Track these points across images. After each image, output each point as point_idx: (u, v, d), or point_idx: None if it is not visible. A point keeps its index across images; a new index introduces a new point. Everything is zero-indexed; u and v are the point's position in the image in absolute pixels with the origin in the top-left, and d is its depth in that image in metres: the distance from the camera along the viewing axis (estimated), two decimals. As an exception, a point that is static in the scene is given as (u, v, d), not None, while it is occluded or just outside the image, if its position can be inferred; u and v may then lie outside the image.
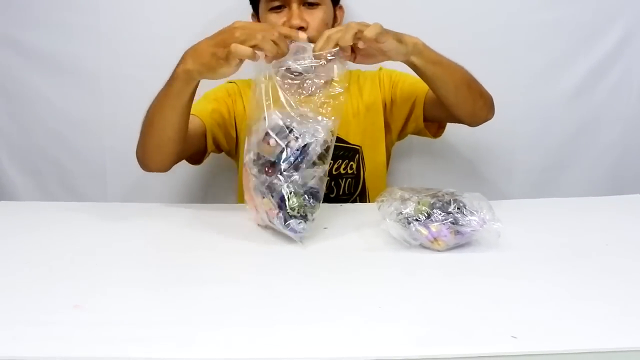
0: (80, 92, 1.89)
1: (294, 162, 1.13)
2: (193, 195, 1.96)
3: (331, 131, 1.18)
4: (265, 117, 1.17)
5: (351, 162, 1.61)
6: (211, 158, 1.68)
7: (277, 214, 1.13)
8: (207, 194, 1.96)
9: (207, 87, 1.57)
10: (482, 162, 1.97)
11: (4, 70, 1.90)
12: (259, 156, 1.18)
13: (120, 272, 0.99)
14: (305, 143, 1.14)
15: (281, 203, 1.12)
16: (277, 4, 1.53)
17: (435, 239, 1.06)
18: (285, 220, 1.12)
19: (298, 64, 1.20)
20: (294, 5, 1.51)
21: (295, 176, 1.12)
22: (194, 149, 1.56)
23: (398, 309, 0.83)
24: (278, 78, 1.19)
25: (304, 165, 1.13)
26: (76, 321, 0.78)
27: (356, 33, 1.22)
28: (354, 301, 0.86)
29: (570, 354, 0.71)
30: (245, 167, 1.22)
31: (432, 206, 1.07)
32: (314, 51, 1.21)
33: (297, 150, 1.13)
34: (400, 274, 0.98)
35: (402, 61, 1.35)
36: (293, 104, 1.17)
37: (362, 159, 1.62)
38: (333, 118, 1.18)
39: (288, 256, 1.08)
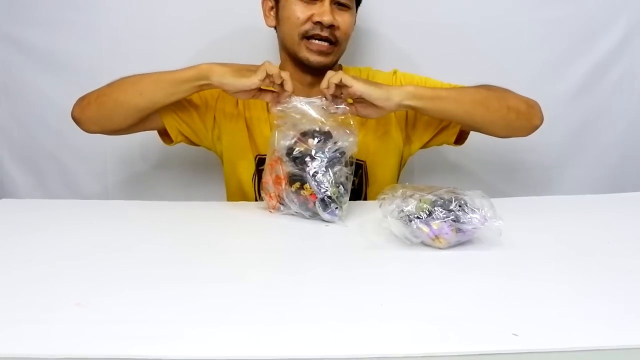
0: (81, 91, 1.88)
1: (331, 160, 1.27)
2: (195, 193, 1.96)
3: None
4: (300, 118, 1.32)
5: (354, 178, 1.57)
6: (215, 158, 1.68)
7: (320, 199, 1.25)
8: (210, 192, 1.96)
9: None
10: (484, 160, 1.97)
11: (5, 68, 1.90)
12: (291, 151, 1.28)
13: (122, 270, 0.98)
14: (344, 149, 1.29)
15: (318, 190, 1.25)
16: None
17: (436, 236, 1.05)
18: (326, 205, 1.24)
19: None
20: (327, 2, 1.47)
21: (331, 171, 1.26)
22: (141, 128, 1.53)
23: (400, 306, 0.83)
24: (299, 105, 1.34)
25: (340, 165, 1.28)
26: (78, 319, 0.78)
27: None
28: (355, 299, 0.86)
29: (572, 352, 0.71)
30: (275, 156, 1.32)
31: (433, 204, 1.07)
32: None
33: (335, 151, 1.28)
34: (402, 271, 0.98)
35: (396, 109, 1.39)
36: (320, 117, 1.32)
37: (366, 174, 1.58)
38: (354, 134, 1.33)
39: (289, 254, 1.08)
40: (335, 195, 1.24)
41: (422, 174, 1.96)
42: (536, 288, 0.89)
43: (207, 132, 1.58)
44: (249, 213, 1.33)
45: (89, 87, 1.86)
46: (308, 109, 1.31)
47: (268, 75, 1.31)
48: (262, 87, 1.35)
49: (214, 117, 1.57)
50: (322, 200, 1.24)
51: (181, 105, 1.52)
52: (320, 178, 1.25)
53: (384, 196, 1.15)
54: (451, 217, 1.05)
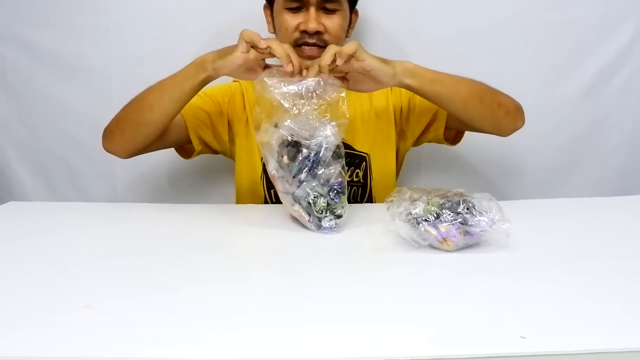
0: (90, 93, 1.89)
1: (310, 169, 1.20)
2: (203, 195, 1.97)
3: (338, 132, 1.22)
4: (272, 134, 1.23)
5: (357, 170, 1.60)
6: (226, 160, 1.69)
7: (309, 220, 1.21)
8: (218, 194, 1.97)
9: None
10: (491, 162, 1.97)
11: (14, 70, 1.91)
12: (280, 168, 1.23)
13: (130, 272, 0.99)
14: (316, 151, 1.20)
15: (309, 208, 1.20)
16: (295, 5, 1.51)
17: (444, 239, 1.05)
18: (318, 224, 1.20)
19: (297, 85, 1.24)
20: (312, 9, 1.50)
21: (314, 183, 1.20)
22: (169, 142, 1.56)
23: (407, 309, 0.83)
24: (276, 90, 1.22)
25: (320, 170, 1.20)
26: (86, 321, 0.78)
27: (336, 53, 1.25)
28: (363, 301, 0.86)
29: (580, 354, 0.70)
30: (272, 177, 1.27)
31: (441, 206, 1.07)
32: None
33: (308, 160, 1.20)
34: (410, 274, 0.98)
35: (395, 85, 1.35)
36: (296, 109, 1.22)
37: (370, 167, 1.60)
38: (336, 122, 1.23)
39: (296, 256, 1.08)
40: (323, 208, 1.20)
41: (428, 176, 1.97)
42: (543, 290, 0.89)
43: (225, 135, 1.62)
44: (256, 215, 1.34)
45: (98, 89, 1.88)
46: (282, 98, 1.22)
47: (251, 45, 1.27)
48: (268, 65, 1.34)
49: (228, 120, 1.61)
50: (312, 220, 1.21)
51: (200, 114, 1.55)
52: (301, 195, 1.21)
53: (391, 199, 1.15)
54: (459, 220, 1.05)
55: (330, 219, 1.20)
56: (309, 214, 1.21)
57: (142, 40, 1.87)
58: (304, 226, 1.23)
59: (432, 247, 1.07)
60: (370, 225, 1.23)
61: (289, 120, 1.21)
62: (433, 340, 0.73)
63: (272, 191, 1.58)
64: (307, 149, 1.20)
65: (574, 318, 0.79)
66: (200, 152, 1.63)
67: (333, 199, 1.21)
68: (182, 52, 1.86)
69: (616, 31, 1.92)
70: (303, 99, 1.22)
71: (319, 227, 1.20)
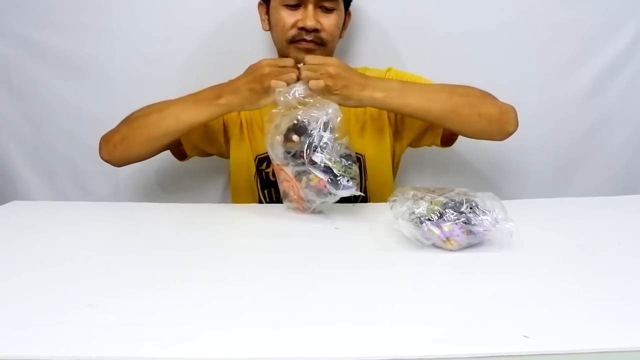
0: (93, 92, 1.90)
1: (321, 141, 1.26)
2: (207, 194, 1.97)
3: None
4: (279, 122, 1.30)
5: None
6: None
7: (327, 181, 1.25)
8: (222, 193, 1.97)
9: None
10: (494, 162, 1.97)
11: (18, 70, 1.91)
12: (287, 152, 1.28)
13: (133, 271, 0.99)
14: (325, 121, 1.27)
15: (328, 171, 1.25)
16: (293, 2, 1.53)
17: (447, 238, 1.05)
18: (337, 182, 1.24)
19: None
20: (310, 7, 1.52)
21: (327, 150, 1.26)
22: (163, 149, 1.57)
23: (410, 308, 0.83)
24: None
25: (331, 140, 1.27)
26: (89, 321, 0.78)
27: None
28: (366, 301, 0.85)
29: (583, 354, 0.70)
30: (277, 167, 1.33)
31: (444, 206, 1.07)
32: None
33: (319, 130, 1.26)
34: (413, 273, 0.98)
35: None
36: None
37: (364, 167, 1.61)
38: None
39: (299, 255, 1.08)
40: (340, 169, 1.25)
41: (432, 176, 1.97)
42: (547, 289, 0.89)
43: (220, 137, 1.64)
44: (260, 215, 1.34)
45: (102, 89, 1.88)
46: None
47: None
48: None
49: (224, 122, 1.63)
50: (331, 180, 1.24)
51: None
52: (318, 161, 1.25)
53: (394, 198, 1.15)
54: (462, 219, 1.05)
55: (348, 179, 1.24)
56: (327, 174, 1.25)
57: (146, 40, 1.88)
58: (304, 225, 1.23)
59: (435, 246, 1.06)
60: (373, 225, 1.23)
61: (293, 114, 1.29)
62: (436, 339, 0.73)
63: (265, 191, 1.61)
64: (315, 122, 1.27)
65: (578, 317, 0.79)
66: (194, 156, 1.69)
67: (347, 163, 1.26)
68: (186, 52, 1.87)
69: (619, 31, 1.91)
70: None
71: (338, 187, 1.24)
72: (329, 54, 1.60)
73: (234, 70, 1.43)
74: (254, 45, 1.83)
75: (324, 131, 1.27)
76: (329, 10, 1.55)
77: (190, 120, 1.41)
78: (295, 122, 1.28)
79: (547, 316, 0.79)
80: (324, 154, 1.25)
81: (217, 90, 1.39)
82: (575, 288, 0.90)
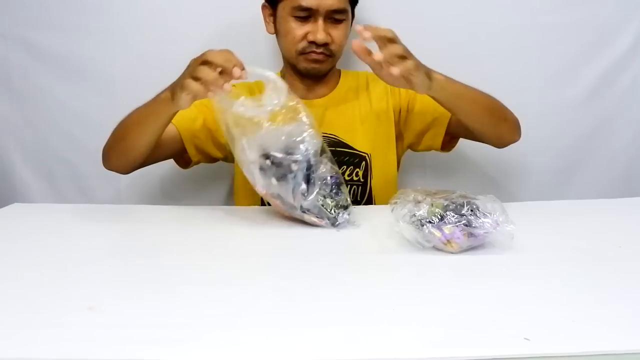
0: (94, 95, 1.90)
1: (307, 180, 1.23)
2: (208, 196, 1.97)
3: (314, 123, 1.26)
4: (249, 154, 1.24)
5: (357, 169, 1.60)
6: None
7: (325, 223, 1.24)
8: (223, 195, 1.97)
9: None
10: (495, 164, 1.97)
11: (18, 72, 1.91)
12: (271, 186, 1.24)
13: (134, 273, 0.99)
14: (305, 161, 1.22)
15: (321, 213, 1.23)
16: (303, 14, 1.52)
17: (448, 241, 1.05)
18: (334, 222, 1.23)
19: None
20: (321, 20, 1.52)
21: (315, 189, 1.22)
22: (165, 156, 1.57)
23: (412, 310, 0.83)
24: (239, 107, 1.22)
25: (315, 174, 1.23)
26: (90, 323, 0.78)
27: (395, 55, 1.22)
28: (367, 303, 0.85)
29: (584, 356, 0.70)
30: (265, 195, 1.29)
31: (445, 208, 1.07)
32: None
33: (302, 171, 1.22)
34: (414, 276, 0.98)
35: (423, 94, 1.34)
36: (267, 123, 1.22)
37: (370, 166, 1.61)
38: (305, 114, 1.24)
39: (300, 258, 1.08)
40: (333, 206, 1.24)
41: (433, 178, 1.96)
42: (548, 292, 0.89)
43: (222, 137, 1.60)
44: (260, 217, 1.33)
45: (102, 91, 1.88)
46: (246, 113, 1.21)
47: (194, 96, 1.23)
48: None
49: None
50: (329, 219, 1.24)
51: (196, 124, 1.56)
52: (311, 206, 1.23)
53: (395, 200, 1.15)
54: (463, 222, 1.05)
55: (342, 214, 1.24)
56: (323, 218, 1.23)
57: (146, 42, 1.88)
58: (306, 227, 1.23)
59: (436, 249, 1.06)
60: (375, 227, 1.23)
61: (259, 136, 1.22)
62: (437, 341, 0.73)
63: None
64: (295, 163, 1.22)
65: (579, 320, 0.79)
66: (197, 162, 1.65)
67: (337, 194, 1.25)
68: (186, 54, 1.86)
69: (620, 33, 1.91)
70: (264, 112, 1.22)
71: (335, 224, 1.23)
72: (336, 61, 1.62)
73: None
74: (256, 47, 1.83)
75: (307, 169, 1.22)
76: (338, 22, 1.55)
77: (145, 120, 1.35)
78: (267, 158, 1.22)
79: (548, 319, 0.79)
80: (313, 195, 1.22)
81: (171, 87, 1.29)
82: (576, 290, 0.90)
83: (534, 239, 1.14)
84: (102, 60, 1.88)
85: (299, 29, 1.53)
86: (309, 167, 1.22)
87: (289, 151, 1.22)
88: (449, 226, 1.05)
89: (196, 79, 1.20)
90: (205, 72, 1.19)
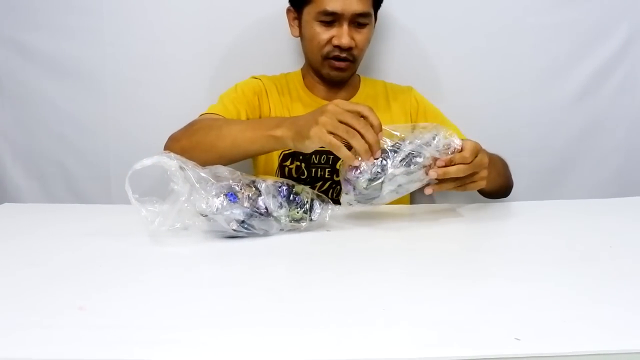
0: (84, 95, 1.89)
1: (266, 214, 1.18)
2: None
3: None
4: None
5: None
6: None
7: (306, 224, 1.20)
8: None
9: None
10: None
11: (8, 72, 1.90)
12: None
13: (125, 274, 0.98)
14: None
15: (294, 221, 1.20)
16: (329, 19, 1.53)
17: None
18: (312, 219, 1.21)
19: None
20: (345, 25, 1.53)
21: (276, 212, 1.17)
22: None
23: (402, 311, 0.82)
24: None
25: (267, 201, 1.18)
26: (81, 323, 0.78)
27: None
28: (358, 304, 0.85)
29: (574, 356, 0.70)
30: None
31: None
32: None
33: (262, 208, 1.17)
34: (404, 276, 0.98)
35: None
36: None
37: None
38: None
39: (291, 259, 1.08)
40: (297, 218, 1.19)
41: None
42: (539, 292, 0.89)
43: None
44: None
45: (93, 91, 1.87)
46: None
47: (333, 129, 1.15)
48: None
49: (260, 116, 1.64)
50: (304, 220, 1.20)
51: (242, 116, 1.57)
52: (283, 224, 1.18)
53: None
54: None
55: (315, 209, 1.20)
56: (299, 221, 1.19)
57: (136, 42, 1.87)
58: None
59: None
60: (365, 227, 1.24)
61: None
62: (428, 342, 0.73)
63: None
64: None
65: (569, 320, 0.79)
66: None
67: (293, 200, 1.19)
68: (176, 55, 1.87)
69: (611, 33, 1.92)
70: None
71: (315, 219, 1.20)
72: (357, 67, 1.66)
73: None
74: (246, 48, 1.83)
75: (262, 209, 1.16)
76: (362, 26, 1.57)
77: (244, 146, 1.31)
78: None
79: (539, 319, 0.79)
80: (279, 214, 1.17)
81: (279, 121, 1.28)
82: (567, 290, 0.90)
83: (525, 239, 1.14)
84: (92, 60, 1.88)
85: (324, 34, 1.55)
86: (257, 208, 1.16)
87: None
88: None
89: (335, 134, 1.14)
90: (358, 141, 1.14)
